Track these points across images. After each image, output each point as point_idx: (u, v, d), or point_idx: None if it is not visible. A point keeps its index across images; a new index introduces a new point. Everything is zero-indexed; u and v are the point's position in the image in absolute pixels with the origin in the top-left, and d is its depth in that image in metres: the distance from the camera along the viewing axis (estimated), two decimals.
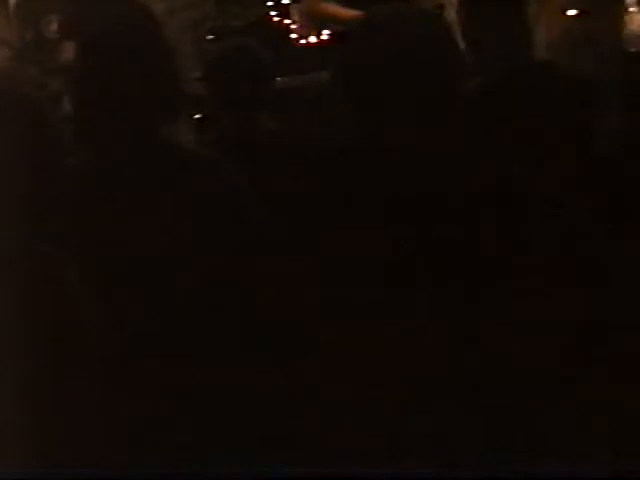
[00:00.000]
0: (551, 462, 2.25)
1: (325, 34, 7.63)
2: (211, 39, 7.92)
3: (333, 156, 2.61)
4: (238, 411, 2.31)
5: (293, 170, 2.68)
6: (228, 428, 2.30)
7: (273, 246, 2.47)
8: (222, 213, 2.52)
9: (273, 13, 8.41)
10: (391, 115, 2.49)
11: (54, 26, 7.12)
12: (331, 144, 2.72)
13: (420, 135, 2.48)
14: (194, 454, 2.25)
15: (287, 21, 8.37)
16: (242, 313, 2.41)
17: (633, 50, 4.01)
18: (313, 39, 8.03)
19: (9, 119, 3.18)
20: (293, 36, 8.26)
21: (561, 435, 2.31)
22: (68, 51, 6.35)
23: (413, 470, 2.20)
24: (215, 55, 4.18)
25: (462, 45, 3.12)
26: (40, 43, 7.15)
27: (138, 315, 2.36)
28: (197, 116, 4.13)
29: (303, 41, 8.10)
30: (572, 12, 4.01)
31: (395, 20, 2.53)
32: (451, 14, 3.88)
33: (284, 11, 8.43)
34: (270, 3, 8.44)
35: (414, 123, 2.48)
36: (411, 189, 2.42)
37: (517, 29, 3.34)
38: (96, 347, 2.21)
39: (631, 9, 4.13)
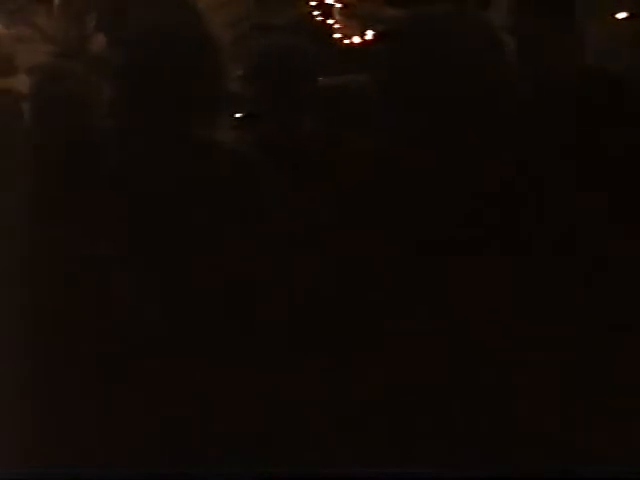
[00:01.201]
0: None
1: (369, 34, 7.60)
2: (253, 37, 7.90)
3: (375, 158, 2.57)
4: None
5: (335, 171, 2.64)
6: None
7: (310, 248, 2.42)
8: (261, 214, 2.48)
9: (316, 12, 8.39)
10: (434, 117, 2.46)
11: (97, 22, 7.12)
12: (373, 145, 2.68)
13: (464, 137, 2.45)
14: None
15: (330, 21, 8.35)
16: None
17: None
18: (357, 39, 8.01)
19: (53, 115, 3.18)
20: (336, 36, 8.24)
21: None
22: (110, 48, 6.35)
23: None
24: (258, 53, 4.14)
25: (505, 48, 3.08)
26: (83, 39, 7.15)
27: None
28: (238, 115, 4.08)
29: (347, 41, 8.08)
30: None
31: (441, 22, 2.51)
32: (497, 16, 3.83)
33: (327, 10, 8.41)
34: (313, 3, 8.43)
35: (457, 125, 2.45)
36: (455, 189, 2.39)
37: (568, 33, 3.29)
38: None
39: None
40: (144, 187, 2.45)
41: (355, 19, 8.23)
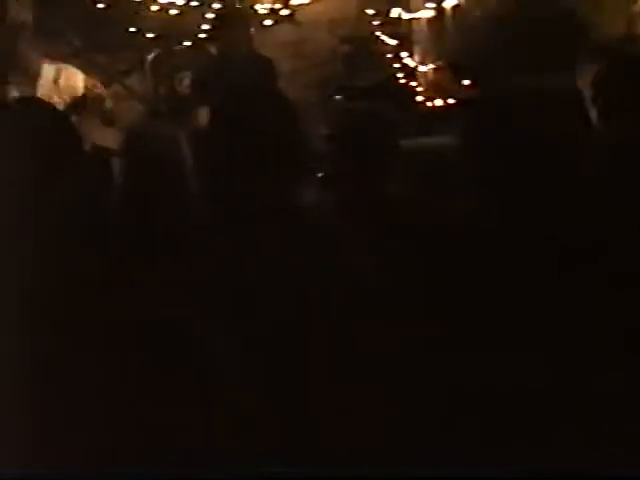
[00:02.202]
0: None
1: (452, 99, 7.60)
2: (338, 98, 7.95)
3: (456, 221, 2.56)
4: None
5: (416, 235, 2.64)
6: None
7: (388, 312, 2.41)
8: (340, 275, 2.47)
9: (399, 75, 8.43)
10: (513, 183, 2.46)
11: (186, 83, 7.24)
12: (455, 209, 2.67)
13: (543, 198, 2.43)
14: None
15: (413, 83, 8.37)
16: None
17: None
18: (439, 102, 8.01)
19: (140, 173, 3.22)
20: (419, 98, 8.25)
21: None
22: (198, 108, 6.42)
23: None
24: (342, 116, 4.16)
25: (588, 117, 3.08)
26: (172, 99, 7.27)
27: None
28: (321, 174, 4.10)
29: (429, 104, 8.08)
30: None
31: (524, 98, 2.52)
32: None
33: (410, 73, 8.44)
34: (397, 65, 8.47)
35: (536, 188, 2.43)
36: (535, 252, 2.38)
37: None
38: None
39: None
40: (227, 247, 2.46)
41: (437, 84, 8.25)
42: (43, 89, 6.51)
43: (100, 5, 8.29)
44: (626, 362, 2.32)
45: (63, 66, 6.62)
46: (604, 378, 2.29)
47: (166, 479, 2.11)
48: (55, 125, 2.12)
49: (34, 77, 6.51)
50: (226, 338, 2.28)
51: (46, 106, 2.44)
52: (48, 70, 6.59)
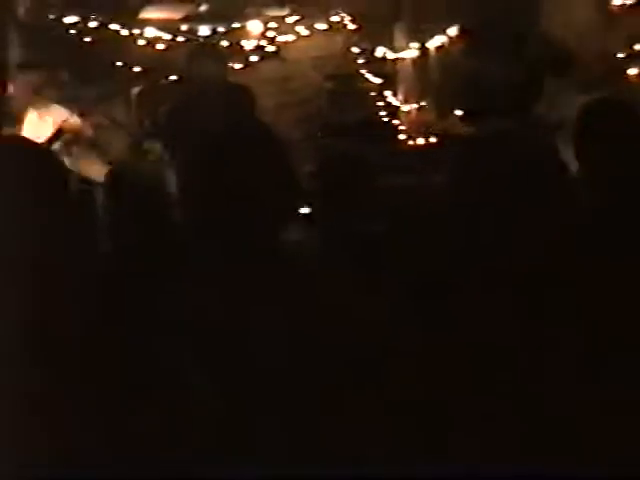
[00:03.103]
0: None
1: (433, 137, 7.65)
2: (322, 135, 7.99)
3: (440, 258, 2.57)
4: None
5: (397, 271, 2.64)
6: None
7: (376, 348, 2.42)
8: (320, 313, 2.48)
9: (383, 113, 8.48)
10: (495, 221, 2.47)
11: (168, 115, 7.26)
12: (437, 245, 2.68)
13: (520, 240, 2.45)
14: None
15: (396, 122, 8.42)
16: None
17: None
18: (421, 141, 8.06)
19: (126, 203, 3.23)
20: (401, 137, 8.30)
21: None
22: (181, 141, 6.42)
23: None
24: (325, 153, 4.19)
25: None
26: (156, 131, 7.28)
27: None
28: (304, 210, 4.11)
29: (411, 142, 8.13)
30: None
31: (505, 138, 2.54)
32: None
33: (393, 112, 8.49)
34: (380, 103, 8.52)
35: (522, 231, 2.45)
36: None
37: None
38: None
39: None
40: (210, 283, 2.46)
41: (419, 122, 8.30)
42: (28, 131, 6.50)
43: (87, 39, 8.33)
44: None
45: (45, 109, 6.62)
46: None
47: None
48: (38, 160, 2.13)
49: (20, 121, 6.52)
50: (212, 375, 2.28)
51: (29, 143, 2.45)
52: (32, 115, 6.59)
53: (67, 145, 6.49)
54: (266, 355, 2.33)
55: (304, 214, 3.98)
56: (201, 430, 2.21)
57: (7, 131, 6.15)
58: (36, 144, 2.32)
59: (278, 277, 2.50)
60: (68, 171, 2.20)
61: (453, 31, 8.04)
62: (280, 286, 2.49)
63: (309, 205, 3.93)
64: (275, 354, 2.34)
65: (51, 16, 8.18)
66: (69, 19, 8.24)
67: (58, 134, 6.52)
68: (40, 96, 6.68)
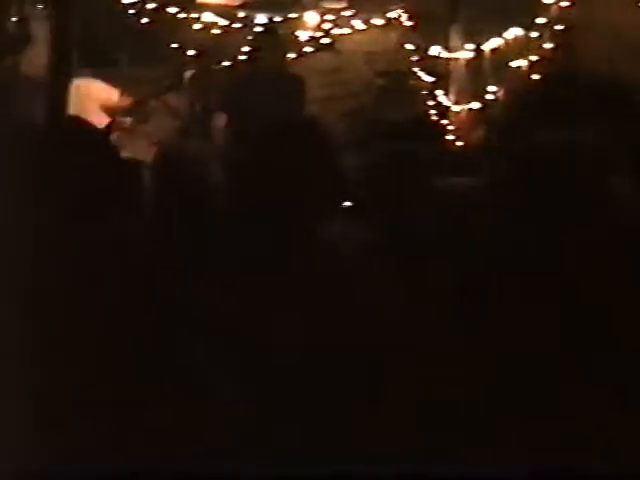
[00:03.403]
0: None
1: (483, 140, 7.60)
2: (369, 130, 7.97)
3: (485, 259, 2.56)
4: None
5: (443, 271, 2.63)
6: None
7: (413, 346, 2.41)
8: (365, 308, 2.47)
9: (433, 112, 8.45)
10: (545, 220, 2.47)
11: (219, 100, 7.27)
12: (485, 249, 2.67)
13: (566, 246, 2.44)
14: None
15: (445, 121, 8.38)
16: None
17: None
18: (469, 141, 8.01)
19: (171, 186, 3.24)
20: (450, 137, 8.26)
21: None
22: (231, 126, 6.43)
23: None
24: (372, 150, 4.17)
25: None
26: (206, 117, 7.30)
27: None
28: (347, 203, 4.09)
29: (459, 143, 8.09)
30: None
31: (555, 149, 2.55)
32: None
33: (443, 111, 8.46)
34: (431, 102, 8.48)
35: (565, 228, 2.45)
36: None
37: None
38: None
39: None
40: (254, 273, 2.46)
41: (468, 121, 8.26)
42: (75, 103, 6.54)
43: (144, 20, 8.36)
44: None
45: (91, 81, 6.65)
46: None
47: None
48: (89, 140, 2.15)
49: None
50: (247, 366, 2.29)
51: (81, 123, 2.47)
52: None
53: (118, 126, 6.52)
54: (306, 347, 2.33)
55: (348, 207, 3.98)
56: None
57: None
58: (89, 126, 2.34)
59: (320, 270, 2.50)
60: (117, 152, 2.22)
61: (510, 34, 8.00)
62: (321, 280, 2.49)
63: (354, 199, 3.92)
64: (316, 346, 2.34)
65: None
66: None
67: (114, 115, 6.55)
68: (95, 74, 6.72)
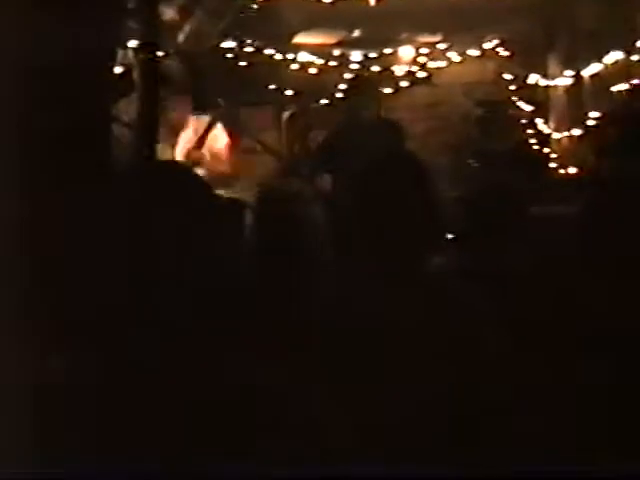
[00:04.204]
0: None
1: (584, 168, 7.50)
2: (470, 161, 7.93)
3: (580, 287, 2.52)
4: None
5: (543, 306, 2.60)
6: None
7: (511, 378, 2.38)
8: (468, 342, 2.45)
9: (533, 141, 8.37)
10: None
11: (320, 140, 7.31)
12: (581, 276, 2.62)
13: None
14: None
15: (546, 150, 8.30)
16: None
17: None
18: (572, 170, 7.92)
19: (271, 226, 3.26)
20: (552, 165, 8.17)
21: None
22: (329, 168, 6.46)
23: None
24: (473, 179, 4.15)
25: None
26: (306, 156, 7.34)
27: None
28: (449, 236, 4.07)
29: (562, 171, 7.99)
30: None
31: None
32: None
33: (544, 140, 8.37)
34: (531, 131, 8.41)
35: None
36: None
37: None
38: None
39: None
40: (355, 308, 2.46)
41: (568, 150, 8.16)
42: (185, 142, 6.64)
43: (242, 63, 8.47)
44: None
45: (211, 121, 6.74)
46: None
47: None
48: (187, 182, 2.18)
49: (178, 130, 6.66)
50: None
51: (179, 167, 2.50)
52: (195, 123, 6.73)
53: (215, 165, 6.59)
54: (401, 375, 2.33)
55: (450, 239, 3.95)
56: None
57: (165, 145, 6.27)
58: (185, 169, 2.37)
59: (423, 303, 2.49)
60: (213, 194, 2.24)
61: (609, 59, 7.90)
62: (423, 310, 2.48)
63: (455, 232, 3.90)
64: (410, 374, 2.33)
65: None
66: (226, 44, 8.40)
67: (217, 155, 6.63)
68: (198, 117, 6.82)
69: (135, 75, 4.84)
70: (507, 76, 8.57)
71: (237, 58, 8.45)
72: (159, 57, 4.95)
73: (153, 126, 4.52)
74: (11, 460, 2.04)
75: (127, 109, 5.16)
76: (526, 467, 2.06)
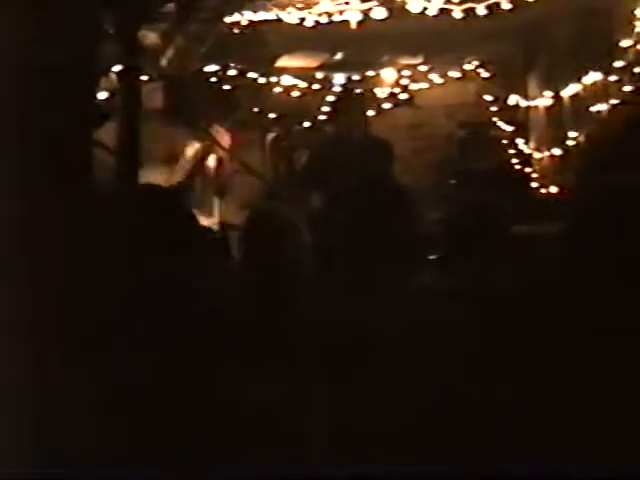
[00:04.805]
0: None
1: (565, 187, 7.53)
2: (452, 182, 7.97)
3: (567, 311, 2.54)
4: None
5: (526, 325, 2.61)
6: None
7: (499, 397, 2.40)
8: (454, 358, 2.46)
9: (514, 161, 8.41)
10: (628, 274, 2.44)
11: (304, 160, 7.35)
12: (565, 298, 2.64)
13: None
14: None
15: (527, 170, 8.33)
16: None
17: None
18: (554, 189, 7.95)
19: (260, 250, 3.27)
20: (533, 185, 8.20)
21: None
22: (313, 189, 6.48)
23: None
24: (455, 200, 4.17)
25: None
26: (290, 179, 7.37)
27: None
28: (432, 257, 4.09)
29: (543, 190, 8.02)
30: None
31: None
32: None
33: (525, 160, 8.41)
34: (512, 151, 8.45)
35: None
36: None
37: None
38: None
39: None
40: (340, 328, 2.48)
41: (552, 170, 8.20)
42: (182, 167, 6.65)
43: (226, 87, 8.49)
44: None
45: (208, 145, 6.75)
46: None
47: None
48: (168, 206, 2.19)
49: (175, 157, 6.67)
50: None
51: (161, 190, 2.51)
52: (191, 149, 6.75)
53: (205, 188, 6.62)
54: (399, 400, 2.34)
55: (433, 260, 3.97)
56: None
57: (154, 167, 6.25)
58: (167, 191, 2.39)
59: (406, 323, 2.50)
60: (192, 217, 2.26)
61: (589, 79, 7.95)
62: (410, 332, 2.49)
63: (438, 252, 3.92)
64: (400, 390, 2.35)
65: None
66: (209, 68, 8.43)
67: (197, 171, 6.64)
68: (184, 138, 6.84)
69: (119, 99, 4.86)
70: (488, 97, 8.62)
71: (220, 82, 8.47)
72: (143, 81, 4.97)
73: (135, 150, 4.54)
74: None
75: (110, 133, 5.18)
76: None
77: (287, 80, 8.64)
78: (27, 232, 2.75)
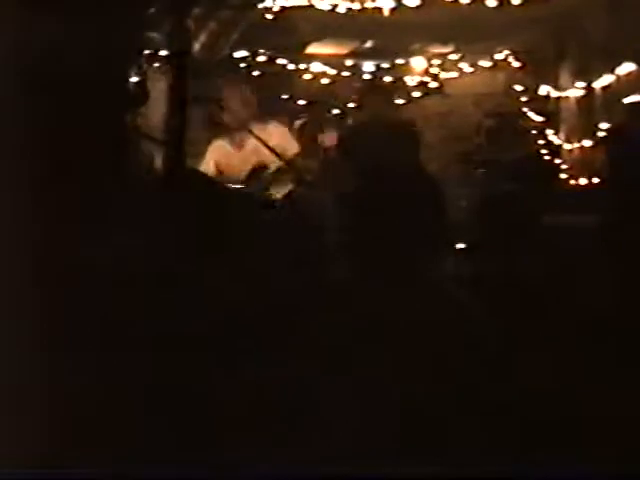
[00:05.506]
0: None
1: (595, 178, 7.47)
2: (479, 171, 7.91)
3: (591, 298, 2.50)
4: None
5: (552, 314, 2.58)
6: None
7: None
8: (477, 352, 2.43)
9: (543, 152, 8.35)
10: None
11: (329, 142, 7.29)
12: (595, 286, 2.61)
13: None
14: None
15: (557, 161, 8.27)
16: None
17: None
18: (583, 181, 7.88)
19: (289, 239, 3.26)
20: (562, 176, 8.14)
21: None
22: (341, 175, 6.44)
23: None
24: (482, 189, 4.13)
25: None
26: (317, 164, 7.32)
27: None
28: (460, 246, 4.05)
29: (572, 182, 7.96)
30: None
31: None
32: None
33: (555, 150, 8.35)
34: (541, 142, 8.39)
35: None
36: None
37: None
38: None
39: None
40: (364, 314, 2.45)
41: (581, 161, 8.14)
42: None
43: (255, 73, 8.47)
44: None
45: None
46: None
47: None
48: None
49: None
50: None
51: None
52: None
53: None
54: (410, 381, 2.32)
55: (460, 249, 3.94)
56: None
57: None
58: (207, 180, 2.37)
59: (432, 312, 2.48)
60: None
61: (622, 70, 7.87)
62: (434, 320, 2.47)
63: (465, 240, 3.89)
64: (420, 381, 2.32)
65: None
66: (239, 54, 8.41)
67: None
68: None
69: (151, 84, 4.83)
70: (518, 87, 8.56)
71: (250, 67, 8.45)
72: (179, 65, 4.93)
73: (178, 137, 4.48)
74: (12, 460, 2.03)
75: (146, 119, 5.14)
76: (526, 467, 2.05)
77: (317, 67, 8.61)
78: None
